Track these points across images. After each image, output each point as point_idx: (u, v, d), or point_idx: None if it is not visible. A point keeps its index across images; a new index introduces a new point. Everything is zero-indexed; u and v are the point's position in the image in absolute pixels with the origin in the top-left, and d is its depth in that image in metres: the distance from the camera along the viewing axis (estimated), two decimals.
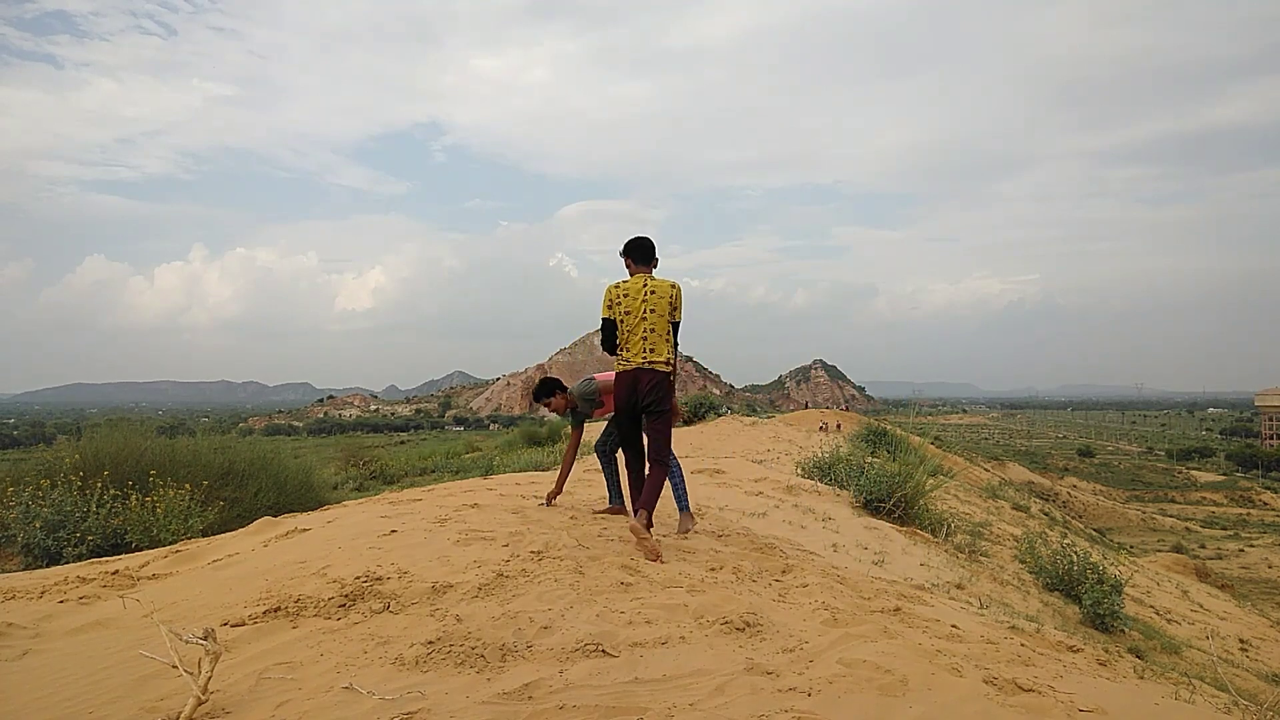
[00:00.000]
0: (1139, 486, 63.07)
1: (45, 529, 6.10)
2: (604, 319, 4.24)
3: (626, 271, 4.36)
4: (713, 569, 3.81)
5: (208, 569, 4.09)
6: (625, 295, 4.19)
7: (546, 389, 5.20)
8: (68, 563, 5.47)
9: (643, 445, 4.47)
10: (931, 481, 8.87)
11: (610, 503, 5.26)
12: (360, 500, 6.82)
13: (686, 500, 4.94)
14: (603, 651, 2.54)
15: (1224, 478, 66.54)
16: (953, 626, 3.25)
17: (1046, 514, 20.66)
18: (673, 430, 4.52)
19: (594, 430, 6.08)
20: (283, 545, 4.38)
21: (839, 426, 28.99)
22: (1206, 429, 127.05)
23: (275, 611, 2.94)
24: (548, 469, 11.44)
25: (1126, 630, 6.47)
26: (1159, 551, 25.98)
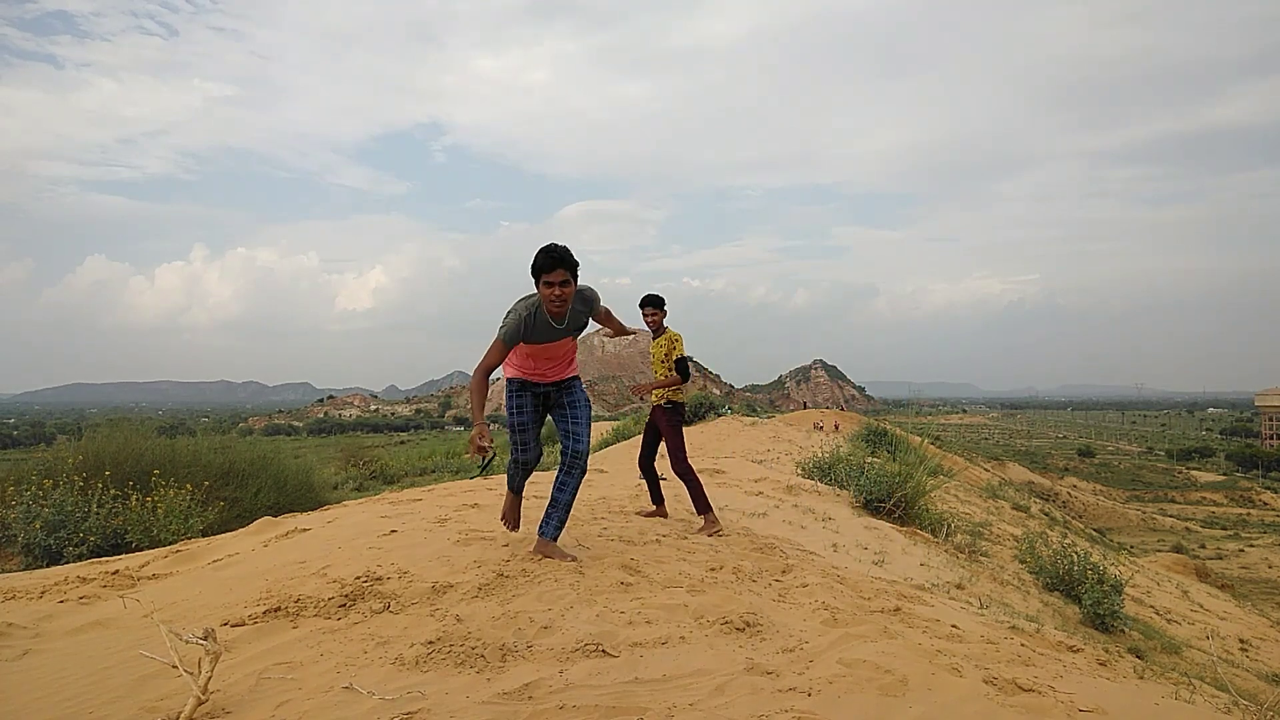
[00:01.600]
0: (1139, 486, 63.04)
1: (46, 529, 6.10)
2: (687, 357, 5.23)
3: (645, 318, 5.23)
4: (713, 569, 3.81)
5: (208, 569, 4.09)
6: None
7: (570, 264, 3.45)
8: (68, 563, 5.48)
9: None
10: (931, 481, 8.87)
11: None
12: (360, 500, 6.83)
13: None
14: (603, 651, 2.54)
15: (1224, 478, 66.52)
16: (953, 626, 3.25)
17: (1046, 514, 20.66)
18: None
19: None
20: (283, 545, 4.38)
21: (837, 427, 28.89)
22: (1206, 429, 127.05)
23: (275, 611, 2.94)
24: (549, 469, 11.43)
25: (1126, 630, 6.47)
26: (1159, 551, 25.98)
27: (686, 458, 5.22)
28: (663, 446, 5.37)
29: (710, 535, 4.86)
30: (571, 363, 3.93)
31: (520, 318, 3.54)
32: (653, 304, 5.20)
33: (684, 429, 5.31)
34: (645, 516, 5.45)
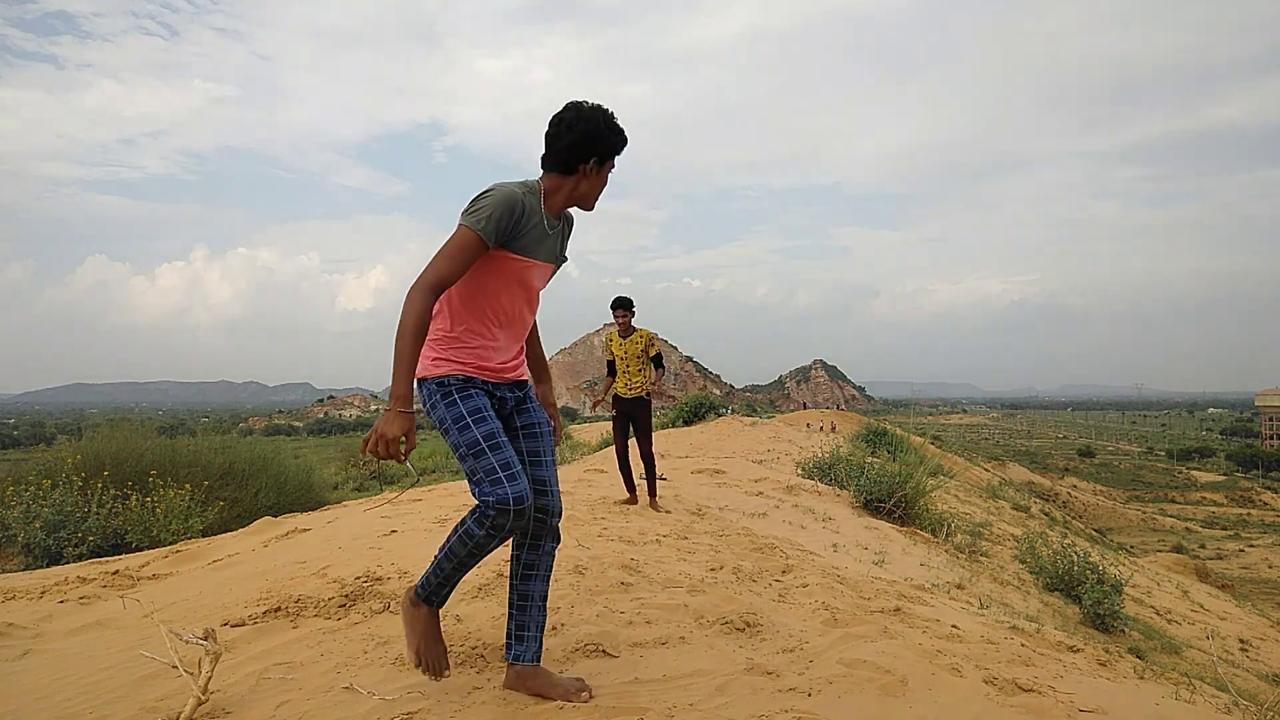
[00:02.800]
0: (1139, 487, 63.05)
1: (46, 529, 6.10)
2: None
3: (616, 319, 5.80)
4: (713, 569, 3.81)
5: (208, 569, 4.10)
6: None
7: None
8: (68, 563, 5.48)
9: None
10: (931, 481, 8.87)
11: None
12: (360, 500, 6.83)
13: None
14: (603, 652, 2.54)
15: (1224, 478, 66.53)
16: (953, 626, 3.25)
17: (1046, 514, 20.67)
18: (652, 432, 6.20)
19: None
20: (283, 545, 4.38)
21: (834, 427, 28.76)
22: (1206, 429, 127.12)
23: (275, 611, 2.94)
24: None
25: (1126, 630, 6.47)
26: (1159, 552, 25.98)
27: None
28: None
29: (658, 511, 5.78)
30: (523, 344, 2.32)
31: (515, 198, 2.03)
32: (624, 306, 5.78)
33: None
34: (622, 504, 5.84)
